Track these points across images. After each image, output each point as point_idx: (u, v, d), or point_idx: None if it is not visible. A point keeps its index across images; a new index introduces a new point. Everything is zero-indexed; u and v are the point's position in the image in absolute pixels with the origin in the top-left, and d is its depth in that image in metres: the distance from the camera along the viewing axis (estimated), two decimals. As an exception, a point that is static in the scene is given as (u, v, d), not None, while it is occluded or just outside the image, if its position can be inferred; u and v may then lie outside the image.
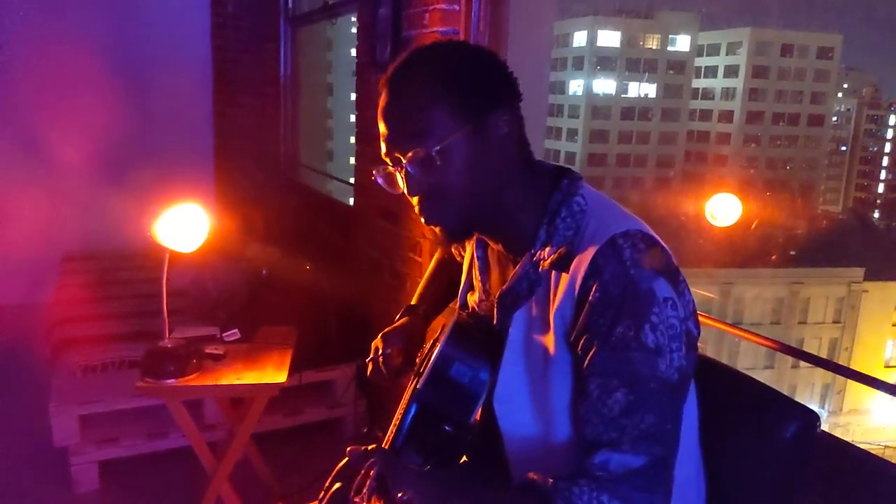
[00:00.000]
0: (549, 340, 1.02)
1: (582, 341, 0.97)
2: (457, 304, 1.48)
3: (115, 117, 4.22)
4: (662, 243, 1.00)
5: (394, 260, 2.87)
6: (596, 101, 53.15)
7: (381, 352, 1.35)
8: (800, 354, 1.65)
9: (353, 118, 3.29)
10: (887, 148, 63.61)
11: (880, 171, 63.68)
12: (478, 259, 1.23)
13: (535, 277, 1.06)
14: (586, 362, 0.96)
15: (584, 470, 0.93)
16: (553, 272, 1.03)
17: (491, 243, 1.18)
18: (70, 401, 2.58)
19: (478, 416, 1.11)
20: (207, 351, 2.24)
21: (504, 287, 1.10)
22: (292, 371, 2.20)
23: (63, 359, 2.74)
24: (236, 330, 2.41)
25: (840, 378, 28.39)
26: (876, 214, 59.35)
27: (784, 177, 55.21)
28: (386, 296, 2.94)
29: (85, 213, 4.17)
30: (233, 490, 2.20)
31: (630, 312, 0.93)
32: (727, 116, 55.39)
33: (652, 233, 1.00)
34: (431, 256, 2.62)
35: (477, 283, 1.23)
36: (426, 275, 1.56)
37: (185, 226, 2.03)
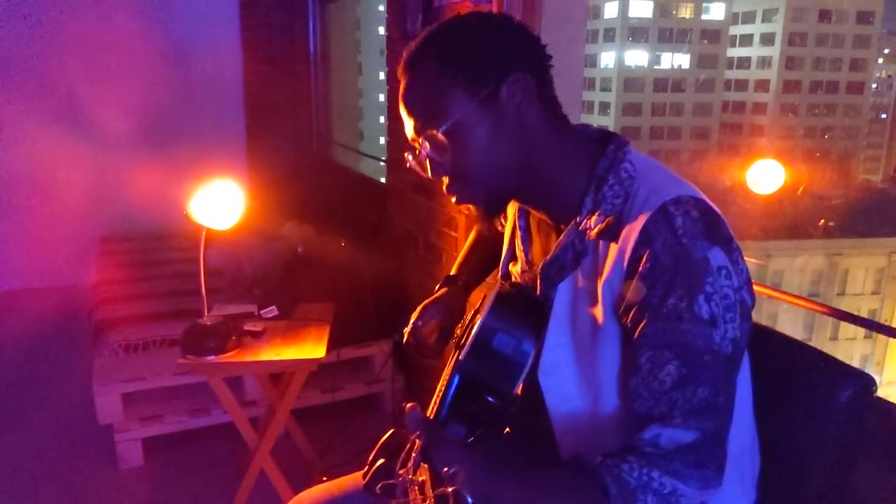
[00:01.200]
0: (598, 312, 0.99)
1: (632, 313, 0.93)
2: (498, 274, 1.45)
3: (150, 96, 4.26)
4: (716, 209, 0.95)
5: (428, 234, 2.85)
6: (628, 73, 52.19)
7: (415, 322, 1.33)
8: (854, 319, 1.60)
9: (381, 98, 3.27)
10: (931, 114, 61.63)
11: (923, 139, 61.76)
12: (520, 229, 1.19)
13: (581, 247, 1.02)
14: (636, 334, 0.93)
15: (633, 446, 0.91)
16: (601, 242, 0.99)
17: (533, 212, 1.15)
18: (113, 379, 2.62)
19: (520, 389, 1.09)
20: (246, 328, 2.25)
21: (548, 257, 1.06)
22: (330, 347, 2.20)
23: (104, 338, 2.78)
24: (274, 307, 2.42)
25: (879, 349, 27.95)
26: (918, 183, 57.63)
27: (823, 146, 53.88)
28: (421, 270, 2.93)
29: (122, 195, 4.22)
30: (275, 464, 2.22)
31: (683, 283, 0.89)
32: (763, 86, 53.98)
33: (705, 199, 0.96)
34: (467, 232, 2.60)
35: (519, 254, 1.20)
36: (465, 246, 1.54)
37: (220, 203, 2.03)
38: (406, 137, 1.08)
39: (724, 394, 0.91)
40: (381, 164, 3.68)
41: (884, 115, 61.77)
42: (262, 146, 4.74)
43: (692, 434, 0.88)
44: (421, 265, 2.93)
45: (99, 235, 4.29)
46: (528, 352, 1.07)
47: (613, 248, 0.97)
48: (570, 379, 1.04)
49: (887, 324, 1.73)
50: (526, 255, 1.17)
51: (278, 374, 2.47)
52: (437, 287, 1.43)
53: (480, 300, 1.40)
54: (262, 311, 2.41)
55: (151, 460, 2.67)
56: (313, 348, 2.18)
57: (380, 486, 0.97)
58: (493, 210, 1.11)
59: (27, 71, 4.19)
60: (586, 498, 0.89)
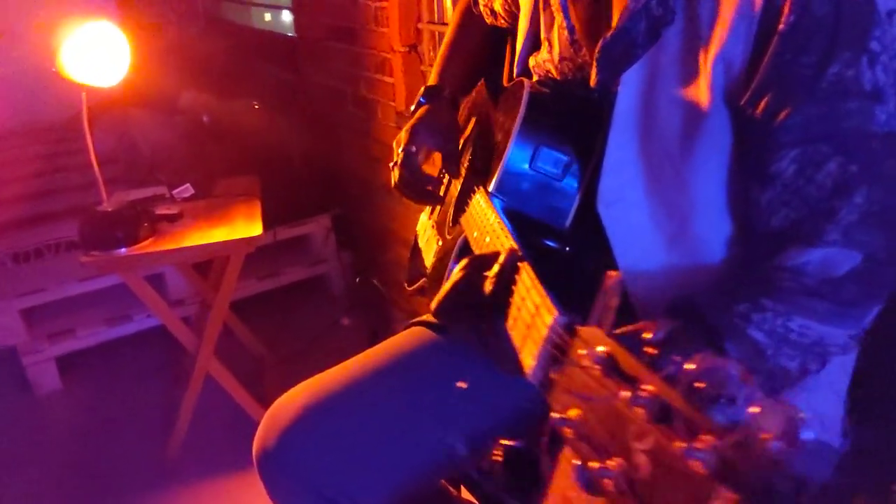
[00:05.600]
0: (698, 100, 0.70)
1: (767, 98, 0.65)
2: (483, 87, 1.13)
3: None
4: None
5: (357, 86, 2.45)
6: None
7: (409, 150, 1.01)
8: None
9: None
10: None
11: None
12: None
13: (664, 10, 0.70)
14: (774, 129, 0.66)
15: (765, 279, 0.66)
16: None
17: None
18: (7, 294, 2.22)
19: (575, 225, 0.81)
20: (159, 212, 1.86)
21: (609, 33, 0.74)
22: (263, 227, 1.85)
23: (-14, 250, 2.33)
24: (188, 185, 2.02)
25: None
26: None
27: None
28: (354, 129, 2.55)
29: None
30: (221, 365, 1.90)
31: (847, 41, 0.62)
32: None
33: None
34: (406, 73, 2.22)
35: (558, 31, 0.86)
36: (443, 47, 1.18)
37: (98, 51, 1.58)
38: None
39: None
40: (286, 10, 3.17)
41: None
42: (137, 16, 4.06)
43: (855, 255, 0.64)
44: (353, 123, 2.55)
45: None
46: (578, 173, 0.79)
47: (727, 3, 0.66)
48: (640, 205, 0.76)
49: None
50: (570, 29, 0.83)
51: (206, 264, 2.12)
52: (413, 106, 1.09)
53: (475, 114, 1.08)
54: (174, 192, 2.01)
55: (70, 381, 2.31)
56: (246, 226, 1.83)
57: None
58: None
59: None
60: None
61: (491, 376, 0.95)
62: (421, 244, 1.19)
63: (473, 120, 1.09)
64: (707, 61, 0.68)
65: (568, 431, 0.41)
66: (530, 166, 0.81)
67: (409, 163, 1.01)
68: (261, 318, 2.43)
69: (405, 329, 1.04)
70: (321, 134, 2.70)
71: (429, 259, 1.08)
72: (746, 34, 0.65)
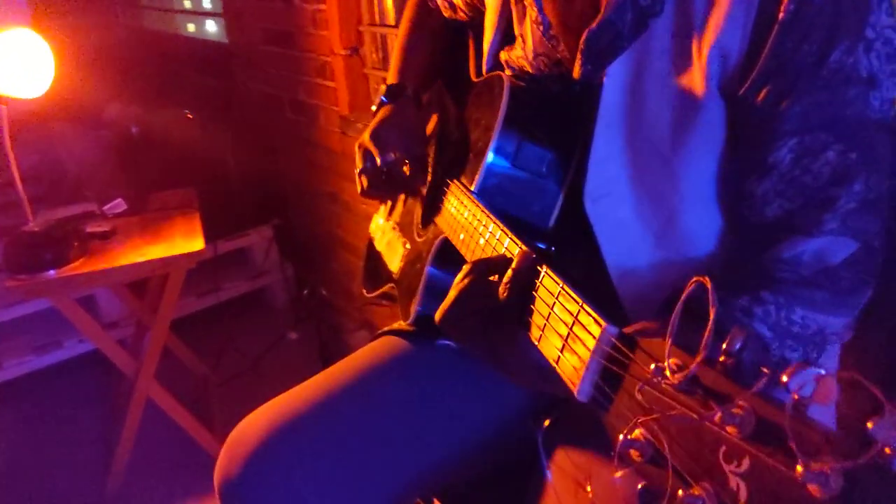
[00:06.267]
0: (691, 90, 0.67)
1: (768, 88, 0.63)
2: (441, 83, 1.08)
3: None
4: None
5: (295, 91, 2.37)
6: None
7: (386, 158, 0.94)
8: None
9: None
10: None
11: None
12: None
13: (651, 1, 0.67)
14: (774, 117, 0.64)
15: (763, 272, 0.65)
16: None
17: None
18: (-82, 326, 2.03)
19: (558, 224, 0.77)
20: (90, 230, 1.75)
21: (594, 23, 0.70)
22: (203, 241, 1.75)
23: None
24: (120, 199, 1.91)
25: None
26: None
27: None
28: (294, 136, 2.47)
29: None
30: (162, 389, 1.79)
31: (846, 28, 0.60)
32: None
33: None
34: (348, 77, 2.15)
35: (529, 27, 0.82)
36: (400, 40, 1.11)
37: (18, 61, 1.46)
38: None
39: (889, 176, 0.64)
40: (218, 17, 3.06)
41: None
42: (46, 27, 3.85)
43: (851, 243, 0.63)
44: (293, 130, 2.46)
45: None
46: (561, 169, 0.75)
47: None
48: (626, 199, 0.73)
49: None
50: (544, 24, 0.79)
51: (141, 283, 1.99)
52: (375, 106, 1.03)
53: (435, 113, 1.03)
54: (104, 208, 1.90)
55: (-2, 414, 2.14)
56: (186, 241, 1.73)
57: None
58: None
59: None
60: None
61: (469, 388, 0.90)
62: (380, 248, 1.13)
63: (435, 116, 1.05)
64: (702, 51, 0.65)
65: (634, 454, 0.37)
66: (513, 164, 0.77)
67: (388, 164, 0.93)
68: (202, 336, 2.32)
69: (374, 339, 0.98)
70: (258, 142, 2.60)
71: (394, 263, 1.02)
72: (744, 23, 0.63)
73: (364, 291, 1.19)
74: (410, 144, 0.95)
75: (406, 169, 0.92)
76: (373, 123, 0.98)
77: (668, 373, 0.36)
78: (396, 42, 1.11)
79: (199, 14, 3.38)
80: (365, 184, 0.96)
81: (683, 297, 0.37)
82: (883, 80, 0.62)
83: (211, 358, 2.24)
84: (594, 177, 0.72)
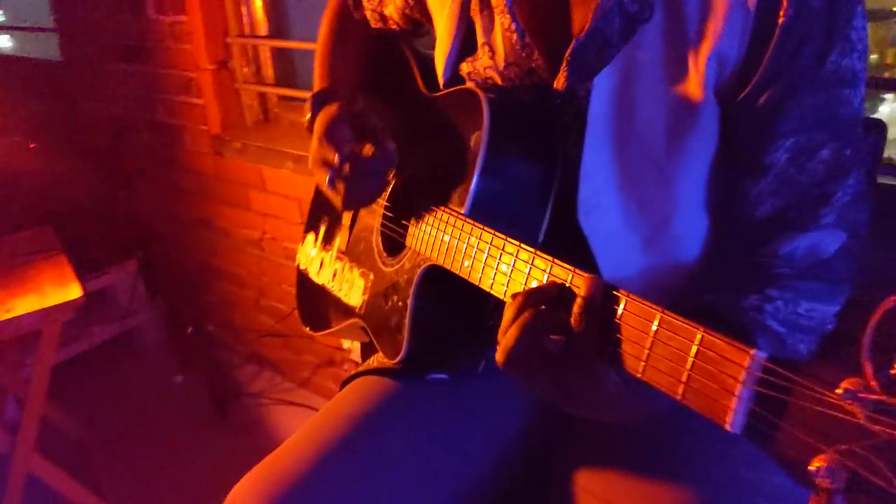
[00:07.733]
0: (687, 97, 0.68)
1: (770, 92, 0.65)
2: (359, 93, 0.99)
3: None
4: None
5: (154, 111, 2.18)
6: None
7: (344, 153, 0.78)
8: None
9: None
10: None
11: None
12: None
13: (639, 7, 0.66)
14: (773, 119, 0.66)
15: (763, 270, 0.67)
16: None
17: None
18: None
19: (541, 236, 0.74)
20: (-66, 288, 1.49)
21: (581, 34, 0.68)
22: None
23: None
24: (-36, 249, 1.65)
25: None
26: None
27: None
28: (156, 159, 2.26)
29: None
30: (44, 461, 1.57)
31: (840, 30, 0.63)
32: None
33: None
34: (217, 93, 1.99)
35: (500, 36, 0.77)
36: (321, 54, 1.01)
37: None
38: None
39: (872, 172, 0.72)
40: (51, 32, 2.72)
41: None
42: None
43: (841, 235, 0.66)
44: (152, 154, 2.26)
45: None
46: (548, 182, 0.73)
47: None
48: (614, 209, 0.73)
49: None
50: (518, 32, 0.75)
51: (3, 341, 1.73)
52: (307, 115, 0.86)
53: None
54: (-54, 260, 1.63)
55: None
56: (58, 290, 1.53)
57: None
58: None
59: None
60: None
61: (470, 420, 0.86)
62: (321, 280, 1.04)
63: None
64: (699, 58, 0.66)
65: (823, 482, 0.35)
66: (501, 183, 0.74)
67: (374, 164, 0.78)
68: (72, 389, 2.05)
69: (348, 381, 0.90)
70: (111, 169, 2.36)
71: (353, 296, 0.94)
72: (743, 29, 0.64)
73: (307, 328, 1.11)
74: (368, 127, 0.80)
75: (368, 149, 0.77)
76: (320, 129, 0.82)
77: (865, 394, 0.35)
78: (317, 56, 1.01)
79: (14, 29, 3.01)
80: (342, 191, 0.79)
81: (881, 313, 0.36)
82: (862, 79, 0.66)
83: (86, 414, 2.00)
84: (585, 188, 0.71)
